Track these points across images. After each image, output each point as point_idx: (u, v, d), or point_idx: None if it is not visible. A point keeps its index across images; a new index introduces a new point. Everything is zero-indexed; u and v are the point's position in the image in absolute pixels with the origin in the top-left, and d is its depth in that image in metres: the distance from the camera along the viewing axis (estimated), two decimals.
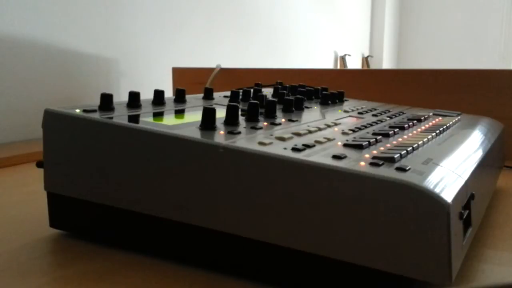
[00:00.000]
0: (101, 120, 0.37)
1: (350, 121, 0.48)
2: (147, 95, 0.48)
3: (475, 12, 3.70)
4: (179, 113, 0.44)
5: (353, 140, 0.37)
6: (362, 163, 0.31)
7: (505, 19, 3.64)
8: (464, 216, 0.31)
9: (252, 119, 0.41)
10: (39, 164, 0.41)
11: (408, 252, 0.28)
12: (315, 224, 0.30)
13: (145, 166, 0.36)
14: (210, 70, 1.03)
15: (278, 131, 0.39)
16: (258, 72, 0.99)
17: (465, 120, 0.57)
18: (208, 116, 0.37)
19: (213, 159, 0.33)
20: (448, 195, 0.28)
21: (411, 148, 0.36)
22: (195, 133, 0.35)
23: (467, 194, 0.34)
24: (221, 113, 0.40)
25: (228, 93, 0.57)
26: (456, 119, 0.55)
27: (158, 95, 0.47)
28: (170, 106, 0.47)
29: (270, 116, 0.44)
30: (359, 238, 0.29)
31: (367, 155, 0.33)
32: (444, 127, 0.48)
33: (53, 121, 0.39)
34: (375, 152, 0.34)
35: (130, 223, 0.38)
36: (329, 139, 0.37)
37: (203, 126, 0.37)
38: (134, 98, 0.44)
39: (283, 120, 0.44)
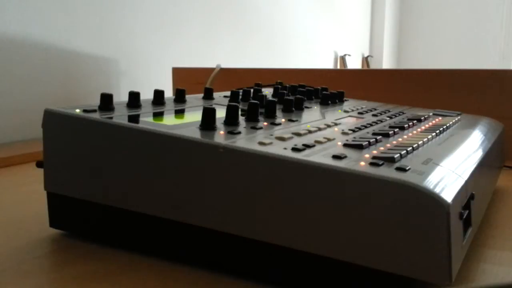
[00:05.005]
0: (101, 120, 0.37)
1: (350, 121, 0.48)
2: (147, 95, 0.48)
3: (475, 12, 3.70)
4: (179, 113, 0.44)
5: (353, 140, 0.37)
6: (362, 163, 0.31)
7: (505, 19, 3.64)
8: (464, 216, 0.31)
9: (252, 119, 0.41)
10: (39, 164, 0.41)
11: (408, 252, 0.28)
12: (315, 224, 0.30)
13: (145, 166, 0.36)
14: (210, 70, 1.03)
15: (278, 131, 0.39)
16: (258, 72, 0.99)
17: (465, 120, 0.57)
18: (208, 116, 0.37)
19: (213, 159, 0.33)
20: (448, 195, 0.28)
21: (411, 148, 0.36)
22: (195, 133, 0.35)
23: (467, 194, 0.34)
24: (221, 113, 0.40)
25: (228, 93, 0.57)
26: (456, 119, 0.55)
27: (158, 95, 0.47)
28: (170, 106, 0.47)
29: (270, 116, 0.44)
30: (359, 238, 0.29)
31: (367, 155, 0.33)
32: (444, 127, 0.48)
33: (53, 121, 0.39)
34: (375, 152, 0.34)
35: (130, 223, 0.38)
36: (329, 139, 0.37)
37: (203, 126, 0.37)
38: (134, 98, 0.44)
39: (283, 120, 0.44)
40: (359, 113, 0.54)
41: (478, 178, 0.39)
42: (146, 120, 0.39)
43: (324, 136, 0.38)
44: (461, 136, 0.46)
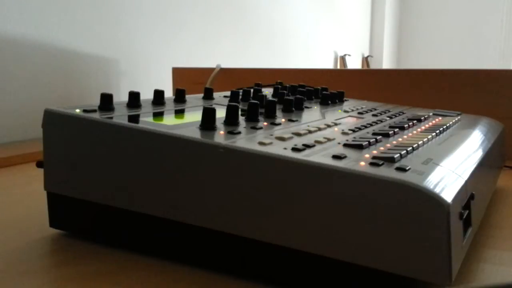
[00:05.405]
0: (101, 120, 0.37)
1: (350, 121, 0.48)
2: (147, 95, 0.48)
3: (475, 12, 3.70)
4: (179, 113, 0.44)
5: (353, 140, 0.37)
6: (362, 163, 0.31)
7: (505, 19, 3.64)
8: (464, 216, 0.31)
9: (252, 119, 0.41)
10: (39, 164, 0.41)
11: (408, 252, 0.28)
12: (315, 224, 0.30)
13: (145, 166, 0.36)
14: (210, 70, 1.03)
15: (278, 131, 0.39)
16: (258, 72, 0.99)
17: (465, 120, 0.57)
18: (208, 116, 0.37)
19: (213, 159, 0.33)
20: (448, 195, 0.28)
21: (411, 148, 0.36)
22: (195, 133, 0.35)
23: (467, 194, 0.34)
24: (221, 113, 0.40)
25: (228, 93, 0.57)
26: (456, 119, 0.55)
27: (158, 95, 0.47)
28: (170, 106, 0.47)
29: (270, 116, 0.44)
30: (359, 238, 0.29)
31: (367, 155, 0.33)
32: (444, 127, 0.48)
33: (53, 121, 0.39)
34: (375, 152, 0.34)
35: (130, 223, 0.38)
36: (329, 139, 0.37)
37: (203, 126, 0.37)
38: (134, 98, 0.44)
39: (283, 120, 0.44)
40: (359, 113, 0.54)
41: (478, 178, 0.39)
42: (146, 120, 0.39)
43: (324, 136, 0.38)
44: (461, 136, 0.46)
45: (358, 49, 3.19)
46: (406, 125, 0.45)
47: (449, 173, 0.33)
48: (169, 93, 0.84)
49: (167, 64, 1.20)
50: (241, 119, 0.41)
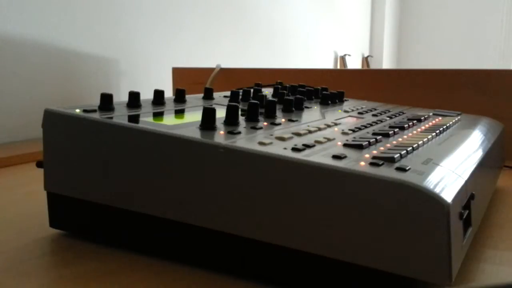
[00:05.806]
0: (101, 120, 0.37)
1: (350, 121, 0.48)
2: (147, 95, 0.48)
3: (475, 12, 3.70)
4: (179, 113, 0.44)
5: (353, 140, 0.37)
6: (362, 163, 0.31)
7: (505, 19, 3.64)
8: (464, 216, 0.31)
9: (252, 119, 0.41)
10: (39, 164, 0.41)
11: (408, 252, 0.28)
12: (315, 224, 0.30)
13: (145, 166, 0.36)
14: (210, 70, 1.03)
15: (278, 131, 0.39)
16: (258, 72, 0.99)
17: (465, 120, 0.57)
18: (208, 116, 0.37)
19: (213, 159, 0.33)
20: (448, 195, 0.28)
21: (411, 148, 0.36)
22: (195, 133, 0.35)
23: (467, 194, 0.34)
24: (221, 113, 0.40)
25: (228, 93, 0.57)
26: (456, 119, 0.55)
27: (158, 95, 0.47)
28: (170, 106, 0.47)
29: (270, 116, 0.44)
30: (359, 238, 0.29)
31: (367, 155, 0.33)
32: (444, 127, 0.48)
33: (53, 121, 0.39)
34: (375, 152, 0.34)
35: (130, 223, 0.38)
36: (329, 139, 0.37)
37: (203, 126, 0.37)
38: (134, 98, 0.44)
39: (283, 120, 0.44)
40: (359, 113, 0.54)
41: (478, 178, 0.39)
42: (146, 120, 0.39)
43: (324, 136, 0.38)
44: (461, 136, 0.46)
45: (358, 49, 3.19)
46: (406, 125, 0.45)
47: (449, 173, 0.33)
48: (169, 93, 0.84)
49: (167, 64, 1.20)
50: (241, 119, 0.41)
